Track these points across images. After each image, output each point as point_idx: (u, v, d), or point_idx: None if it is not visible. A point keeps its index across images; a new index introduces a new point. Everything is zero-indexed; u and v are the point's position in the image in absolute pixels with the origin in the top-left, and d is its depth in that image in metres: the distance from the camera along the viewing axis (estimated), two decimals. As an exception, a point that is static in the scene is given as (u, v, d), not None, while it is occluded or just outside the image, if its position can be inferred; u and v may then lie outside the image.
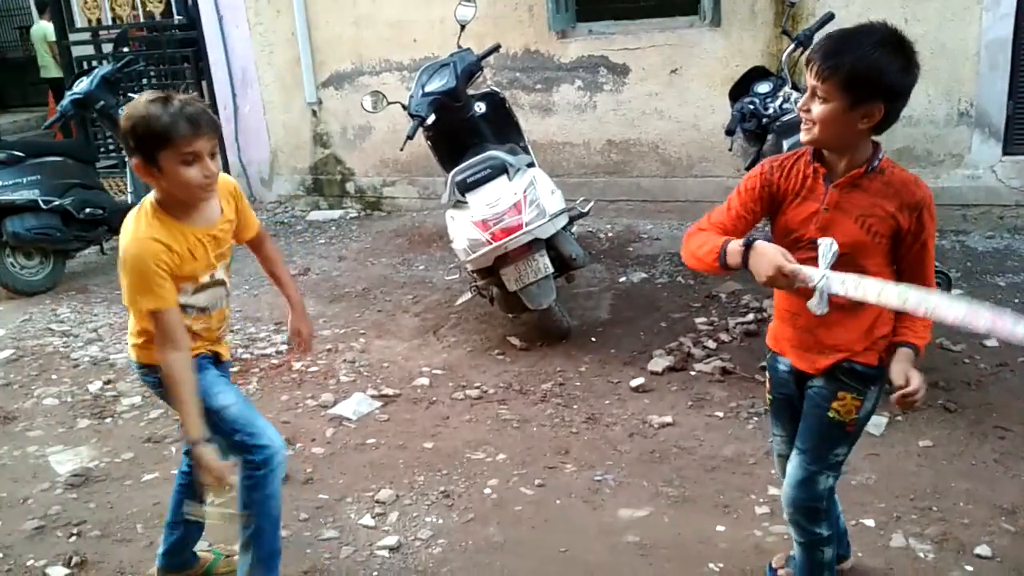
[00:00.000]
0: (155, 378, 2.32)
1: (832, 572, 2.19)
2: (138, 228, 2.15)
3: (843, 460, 2.10)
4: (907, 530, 2.66)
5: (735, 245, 1.84)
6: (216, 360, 2.43)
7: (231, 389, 2.38)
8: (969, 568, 2.50)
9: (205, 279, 2.28)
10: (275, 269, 2.62)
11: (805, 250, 1.89)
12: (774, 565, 2.51)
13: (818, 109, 1.82)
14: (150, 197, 2.21)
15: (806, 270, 1.77)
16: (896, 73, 1.76)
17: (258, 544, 2.39)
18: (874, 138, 1.89)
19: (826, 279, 1.75)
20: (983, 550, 2.55)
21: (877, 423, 3.25)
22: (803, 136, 1.88)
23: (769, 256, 1.77)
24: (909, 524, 2.69)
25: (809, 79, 1.83)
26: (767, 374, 2.23)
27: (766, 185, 1.98)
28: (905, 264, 1.93)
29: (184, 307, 2.23)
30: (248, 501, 2.34)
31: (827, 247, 1.80)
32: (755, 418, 3.38)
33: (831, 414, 2.02)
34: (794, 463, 2.11)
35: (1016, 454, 3.04)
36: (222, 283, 2.34)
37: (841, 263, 1.82)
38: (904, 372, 1.89)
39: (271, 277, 2.67)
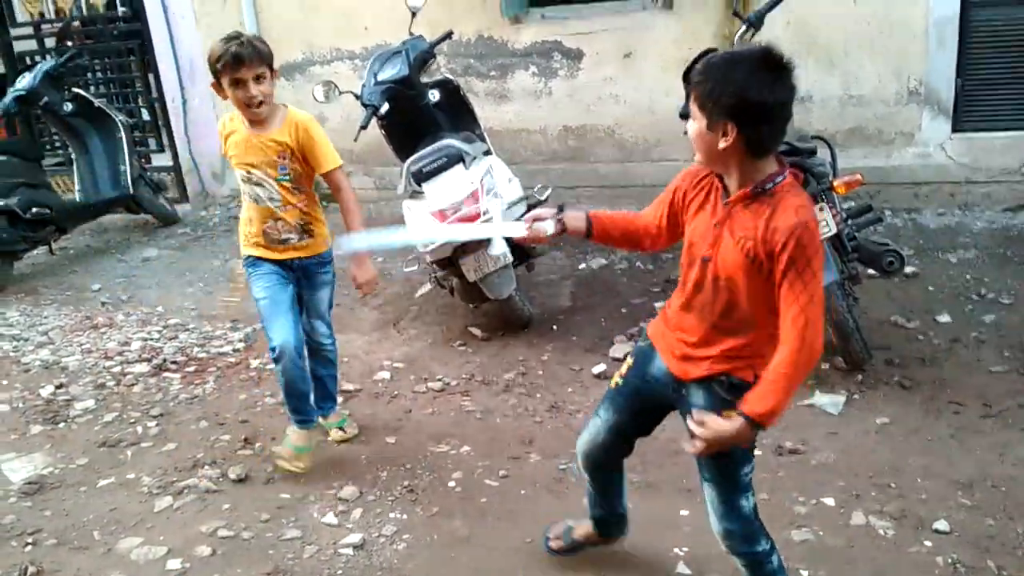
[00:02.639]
0: None
1: (784, 572, 2.17)
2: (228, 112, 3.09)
3: (750, 478, 2.05)
4: (867, 508, 2.70)
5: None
6: (286, 265, 3.13)
7: (268, 286, 3.08)
8: (928, 543, 2.54)
9: (246, 173, 3.01)
10: (345, 218, 3.14)
11: (697, 266, 1.93)
12: (550, 536, 2.58)
13: (690, 128, 1.85)
14: None
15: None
16: (753, 91, 1.71)
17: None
18: (783, 160, 1.86)
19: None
20: (941, 525, 2.60)
21: (835, 402, 3.29)
22: (696, 157, 1.91)
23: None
24: (869, 502, 2.73)
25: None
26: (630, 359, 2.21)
27: (676, 190, 2.03)
28: (774, 301, 1.81)
29: (243, 193, 3.09)
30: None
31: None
32: (716, 401, 3.39)
33: None
34: (710, 496, 2.08)
35: (971, 428, 3.10)
36: (261, 185, 3.00)
37: (720, 287, 1.88)
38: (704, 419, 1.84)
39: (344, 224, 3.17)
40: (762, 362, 1.85)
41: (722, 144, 1.78)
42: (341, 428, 3.41)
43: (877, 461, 2.95)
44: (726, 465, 2.00)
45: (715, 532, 2.12)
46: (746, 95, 1.72)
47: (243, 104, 2.89)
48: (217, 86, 2.91)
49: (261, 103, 2.90)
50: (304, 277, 3.20)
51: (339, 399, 3.53)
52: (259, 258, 3.13)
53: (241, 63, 2.81)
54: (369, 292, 3.30)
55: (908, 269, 4.34)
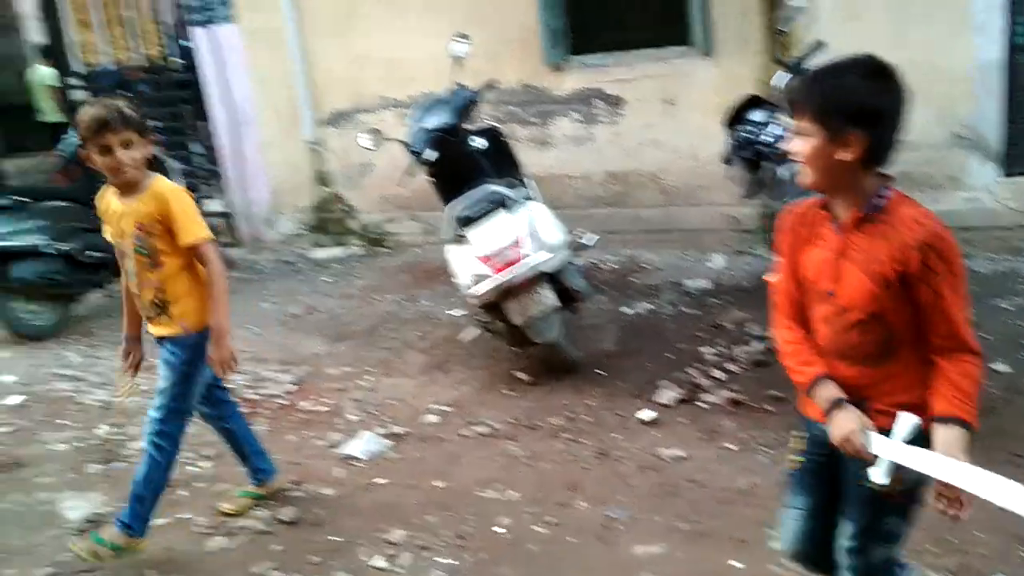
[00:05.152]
0: None
1: None
2: None
3: (903, 533, 1.95)
4: (926, 562, 2.65)
5: (826, 393, 1.84)
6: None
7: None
8: (987, 597, 2.48)
9: (117, 244, 2.95)
10: (208, 293, 2.97)
11: (823, 302, 1.86)
12: None
13: (802, 147, 1.77)
14: None
15: (875, 442, 1.74)
16: (869, 96, 1.70)
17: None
18: (886, 173, 1.81)
19: (888, 459, 1.73)
20: (1000, 578, 2.54)
21: (888, 450, 3.24)
22: (801, 180, 1.83)
23: (846, 424, 1.77)
24: (926, 555, 2.68)
25: (794, 120, 1.79)
26: (799, 435, 2.06)
27: (786, 255, 1.93)
28: (923, 318, 1.76)
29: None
30: None
31: (905, 423, 1.73)
32: (767, 449, 3.37)
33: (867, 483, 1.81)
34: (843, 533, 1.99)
35: (1029, 479, 3.03)
36: (125, 256, 2.93)
37: (865, 325, 1.78)
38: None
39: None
40: (920, 386, 1.79)
41: (844, 156, 1.72)
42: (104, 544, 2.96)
43: (934, 513, 2.89)
44: (875, 506, 1.90)
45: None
46: (867, 101, 1.69)
47: (108, 170, 2.81)
48: (86, 152, 2.82)
49: (126, 170, 2.79)
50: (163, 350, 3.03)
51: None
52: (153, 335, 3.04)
53: (106, 128, 2.72)
54: (227, 372, 2.96)
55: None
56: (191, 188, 7.21)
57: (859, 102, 1.69)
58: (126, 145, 2.77)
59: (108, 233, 2.99)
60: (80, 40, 7.70)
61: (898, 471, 1.75)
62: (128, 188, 2.87)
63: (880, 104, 1.71)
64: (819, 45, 4.25)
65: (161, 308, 2.95)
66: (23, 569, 3.05)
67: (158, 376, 3.02)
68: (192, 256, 2.92)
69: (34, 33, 10.90)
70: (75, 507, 3.45)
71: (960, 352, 1.77)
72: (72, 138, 6.27)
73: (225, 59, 7.12)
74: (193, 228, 2.88)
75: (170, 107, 7.68)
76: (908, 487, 1.83)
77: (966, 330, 1.76)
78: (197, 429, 4.03)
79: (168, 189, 2.90)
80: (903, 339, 1.81)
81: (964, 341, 1.76)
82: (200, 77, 7.23)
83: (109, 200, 2.95)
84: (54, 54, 7.70)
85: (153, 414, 3.01)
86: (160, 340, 3.02)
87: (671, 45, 5.92)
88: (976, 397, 1.75)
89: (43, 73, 10.20)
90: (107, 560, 2.94)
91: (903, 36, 5.07)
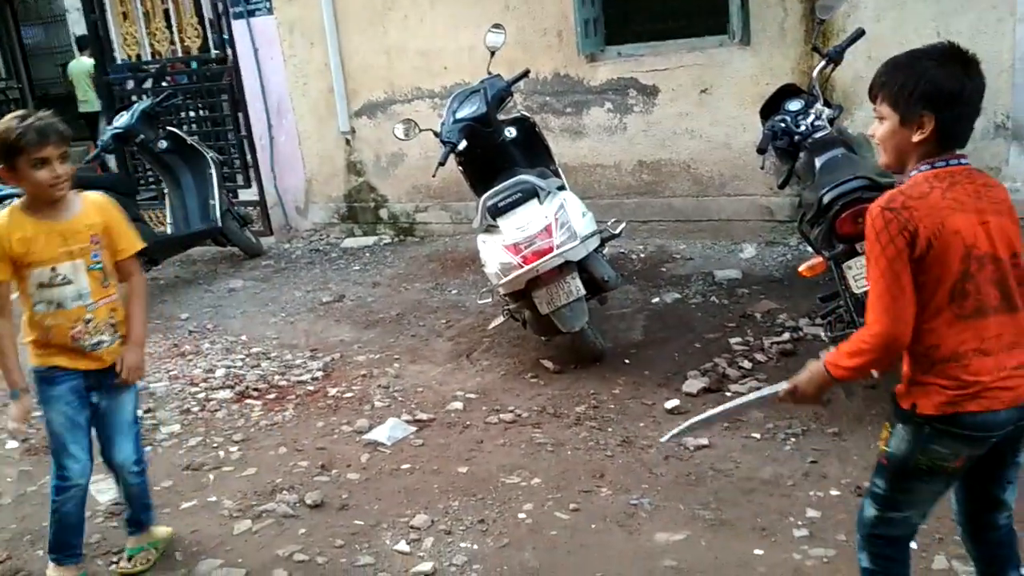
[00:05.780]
0: None
1: None
2: None
3: (882, 493, 1.97)
4: (949, 551, 2.60)
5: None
6: (89, 376, 2.71)
7: (67, 406, 2.69)
8: (1016, 591, 2.43)
9: (49, 274, 2.60)
10: (129, 301, 2.80)
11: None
12: None
13: (878, 130, 1.87)
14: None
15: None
16: (940, 79, 1.77)
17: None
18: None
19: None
20: (1030, 572, 2.48)
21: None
22: (880, 160, 1.94)
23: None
24: (952, 545, 2.62)
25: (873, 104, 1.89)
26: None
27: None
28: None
29: (34, 304, 2.63)
30: None
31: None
32: (792, 439, 3.33)
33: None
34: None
35: (1063, 473, 2.96)
36: (68, 283, 2.62)
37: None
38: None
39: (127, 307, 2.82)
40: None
41: (917, 137, 1.80)
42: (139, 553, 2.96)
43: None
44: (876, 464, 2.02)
45: None
46: (941, 83, 1.77)
47: (46, 186, 2.53)
48: (5, 171, 2.56)
49: (65, 185, 2.58)
50: (101, 386, 2.77)
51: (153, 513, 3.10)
52: (57, 370, 2.68)
53: (47, 140, 2.50)
54: (133, 380, 2.80)
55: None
56: (227, 178, 7.38)
57: (936, 85, 1.77)
58: (63, 159, 2.56)
59: (32, 266, 2.58)
60: (122, 32, 7.83)
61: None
62: (57, 205, 2.62)
63: (957, 86, 1.78)
64: (859, 33, 4.17)
65: (115, 329, 2.73)
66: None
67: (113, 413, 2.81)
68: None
69: (76, 25, 11.12)
70: (104, 490, 3.49)
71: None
72: (112, 128, 6.37)
73: (262, 51, 7.20)
74: (133, 237, 2.78)
75: (208, 98, 7.79)
76: (892, 451, 1.92)
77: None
78: (224, 414, 4.11)
79: (104, 199, 2.76)
80: None
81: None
82: (238, 69, 7.31)
83: (19, 225, 2.58)
84: (96, 46, 7.85)
85: (128, 453, 2.86)
86: (101, 372, 2.74)
87: (708, 35, 5.87)
88: (850, 357, 1.86)
89: (86, 64, 10.42)
90: (158, 558, 2.98)
91: (944, 25, 4.96)
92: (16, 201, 2.66)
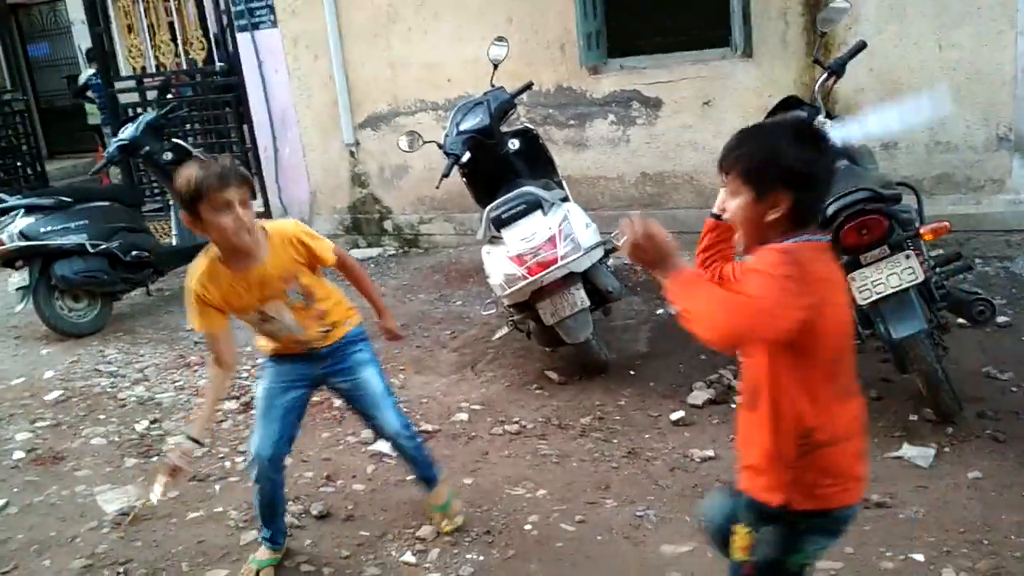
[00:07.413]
0: None
1: None
2: (194, 265, 2.66)
3: None
4: (958, 564, 2.60)
5: None
6: (305, 356, 2.83)
7: (270, 386, 2.84)
8: (1024, 603, 2.43)
9: (258, 317, 2.70)
10: (359, 287, 3.01)
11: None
12: None
13: (730, 204, 1.77)
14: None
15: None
16: (795, 159, 1.68)
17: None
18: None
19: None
20: (1038, 584, 2.48)
21: (924, 455, 3.19)
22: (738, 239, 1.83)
23: None
24: (960, 558, 2.63)
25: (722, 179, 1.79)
26: None
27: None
28: None
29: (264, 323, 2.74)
30: None
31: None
32: (798, 451, 3.32)
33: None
34: None
35: (1070, 485, 2.96)
36: (276, 318, 2.71)
37: None
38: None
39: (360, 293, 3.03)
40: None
41: (772, 215, 1.71)
42: (444, 511, 3.11)
43: (968, 516, 2.84)
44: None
45: None
46: (792, 163, 1.68)
47: (230, 231, 2.48)
48: (190, 219, 2.52)
49: (247, 232, 2.52)
50: (336, 373, 2.89)
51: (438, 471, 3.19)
52: (279, 355, 2.86)
53: (227, 184, 2.44)
54: (399, 338, 3.23)
55: (1000, 319, 4.20)
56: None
57: (785, 163, 1.68)
58: (244, 204, 2.49)
59: (241, 317, 2.71)
60: (127, 44, 7.88)
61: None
62: (247, 250, 2.57)
63: (805, 167, 1.69)
64: (861, 46, 4.19)
65: (329, 328, 2.82)
66: (60, 560, 3.12)
67: (356, 386, 2.90)
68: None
69: (82, 38, 11.18)
70: (112, 500, 3.52)
71: None
72: (117, 140, 6.40)
73: (267, 64, 7.24)
74: (326, 248, 2.78)
75: (213, 110, 7.83)
76: (760, 558, 1.83)
77: None
78: (230, 424, 4.12)
79: (287, 227, 2.72)
80: None
81: None
82: (243, 81, 7.35)
83: (216, 279, 2.62)
84: (102, 58, 7.90)
85: (401, 418, 2.98)
86: (321, 351, 2.83)
87: (710, 47, 5.90)
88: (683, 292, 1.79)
89: (91, 76, 10.47)
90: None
91: (946, 38, 4.99)
92: (212, 249, 2.63)
